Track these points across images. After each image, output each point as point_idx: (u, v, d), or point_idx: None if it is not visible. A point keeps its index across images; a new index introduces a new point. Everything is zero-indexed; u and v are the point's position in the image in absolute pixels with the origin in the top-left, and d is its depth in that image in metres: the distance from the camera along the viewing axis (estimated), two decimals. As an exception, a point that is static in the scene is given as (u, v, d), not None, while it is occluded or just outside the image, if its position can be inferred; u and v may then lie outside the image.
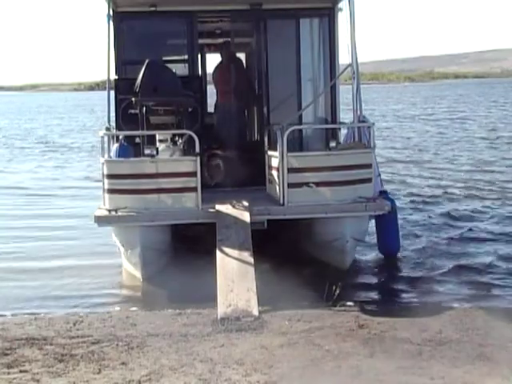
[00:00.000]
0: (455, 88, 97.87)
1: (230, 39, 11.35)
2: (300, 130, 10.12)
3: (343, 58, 10.03)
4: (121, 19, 9.99)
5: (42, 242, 11.19)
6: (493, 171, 17.87)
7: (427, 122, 36.84)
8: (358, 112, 9.48)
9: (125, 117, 9.48)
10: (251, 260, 7.78)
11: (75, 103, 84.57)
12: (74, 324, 7.01)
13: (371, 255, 9.77)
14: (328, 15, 10.25)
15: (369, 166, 9.05)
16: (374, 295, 8.35)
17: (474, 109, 47.15)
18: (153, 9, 9.91)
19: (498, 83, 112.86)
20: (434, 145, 25.07)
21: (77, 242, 10.97)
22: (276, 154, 8.84)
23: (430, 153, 22.64)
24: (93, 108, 62.07)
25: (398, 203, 10.60)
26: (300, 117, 10.17)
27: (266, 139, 9.63)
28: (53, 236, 11.62)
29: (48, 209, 14.36)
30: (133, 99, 9.10)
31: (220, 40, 11.70)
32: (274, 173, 9.00)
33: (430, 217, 12.38)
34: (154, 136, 9.45)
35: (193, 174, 8.61)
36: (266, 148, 9.49)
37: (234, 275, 7.56)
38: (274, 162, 9.01)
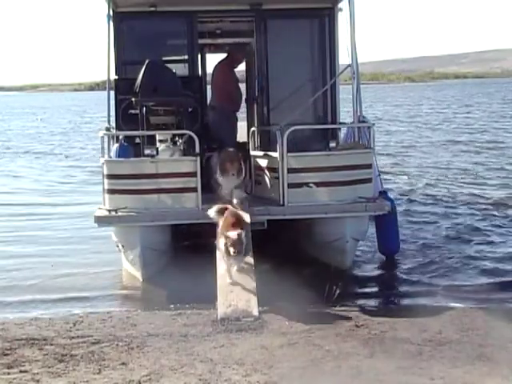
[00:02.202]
0: (451, 88, 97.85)
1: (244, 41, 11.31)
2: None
3: (343, 58, 10.04)
4: (121, 19, 9.98)
5: (41, 241, 11.21)
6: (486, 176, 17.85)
7: (401, 123, 36.68)
8: (358, 112, 9.48)
9: (125, 117, 9.48)
10: (251, 260, 7.78)
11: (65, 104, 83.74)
12: (74, 324, 7.01)
13: (371, 255, 9.77)
14: (328, 15, 10.24)
15: (369, 166, 9.05)
16: (373, 295, 8.35)
17: (455, 110, 47.28)
18: (153, 9, 9.90)
19: (498, 83, 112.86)
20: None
21: (76, 242, 10.98)
22: (260, 153, 8.88)
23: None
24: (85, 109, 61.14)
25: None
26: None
27: (251, 140, 9.71)
28: (52, 236, 11.63)
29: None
30: (133, 99, 9.10)
31: (220, 40, 11.70)
32: (264, 173, 9.04)
33: (429, 217, 12.40)
34: (153, 136, 9.44)
35: (193, 174, 8.61)
36: (251, 149, 9.55)
37: (234, 275, 7.56)
38: (262, 163, 9.06)
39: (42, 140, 34.01)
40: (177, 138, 9.43)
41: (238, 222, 7.62)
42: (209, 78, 11.38)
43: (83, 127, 42.20)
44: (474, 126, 33.70)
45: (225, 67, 10.81)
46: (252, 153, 9.66)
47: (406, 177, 17.55)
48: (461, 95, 74.75)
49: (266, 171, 9.16)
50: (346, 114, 11.19)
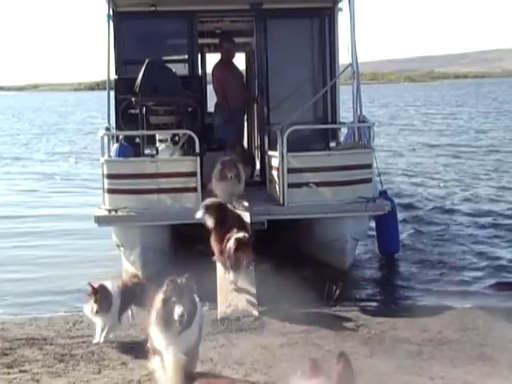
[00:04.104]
0: (448, 88, 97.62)
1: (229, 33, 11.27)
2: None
3: (343, 57, 10.04)
4: (121, 19, 9.99)
5: (41, 240, 11.20)
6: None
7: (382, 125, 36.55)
8: (358, 112, 9.47)
9: (125, 117, 9.48)
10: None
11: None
12: (74, 324, 7.01)
13: (371, 255, 9.77)
14: (328, 15, 10.25)
15: (369, 166, 9.05)
16: (373, 295, 8.34)
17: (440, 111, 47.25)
18: (153, 8, 9.91)
19: (497, 83, 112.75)
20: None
21: (76, 242, 10.97)
22: (276, 153, 8.85)
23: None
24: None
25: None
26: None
27: (266, 139, 9.64)
28: (52, 235, 11.63)
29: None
30: (133, 99, 9.10)
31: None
32: (274, 173, 9.01)
33: (428, 217, 12.40)
34: (153, 136, 9.45)
35: (193, 174, 8.61)
36: (267, 148, 9.50)
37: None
38: (275, 162, 9.03)
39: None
40: (177, 138, 9.43)
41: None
42: (209, 78, 11.41)
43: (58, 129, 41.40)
44: (452, 127, 33.52)
45: (220, 68, 10.84)
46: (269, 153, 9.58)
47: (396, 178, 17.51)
48: (455, 95, 74.75)
49: (273, 171, 9.16)
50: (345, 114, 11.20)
